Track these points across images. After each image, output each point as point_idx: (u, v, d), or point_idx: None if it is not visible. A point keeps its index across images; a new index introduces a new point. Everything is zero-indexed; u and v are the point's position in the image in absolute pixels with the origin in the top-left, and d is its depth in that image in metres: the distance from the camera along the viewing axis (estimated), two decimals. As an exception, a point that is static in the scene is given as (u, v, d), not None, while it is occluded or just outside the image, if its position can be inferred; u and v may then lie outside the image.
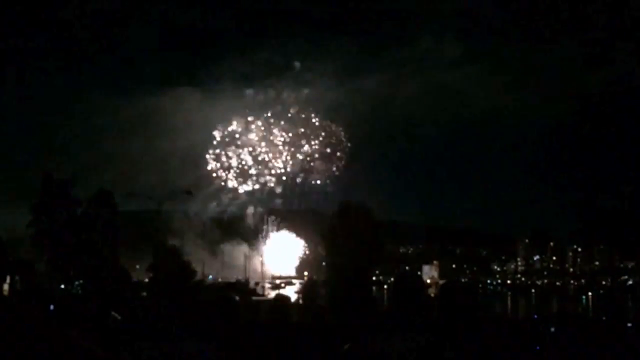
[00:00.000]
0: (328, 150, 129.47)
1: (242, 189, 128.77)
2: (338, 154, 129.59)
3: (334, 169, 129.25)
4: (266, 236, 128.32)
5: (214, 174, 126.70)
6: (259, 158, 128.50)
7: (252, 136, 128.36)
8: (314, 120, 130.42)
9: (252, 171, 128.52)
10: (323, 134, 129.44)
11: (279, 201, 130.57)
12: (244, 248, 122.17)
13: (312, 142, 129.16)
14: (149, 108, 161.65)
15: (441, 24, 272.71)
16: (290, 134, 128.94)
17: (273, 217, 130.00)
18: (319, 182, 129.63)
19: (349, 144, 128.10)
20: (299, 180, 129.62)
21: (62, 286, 50.27)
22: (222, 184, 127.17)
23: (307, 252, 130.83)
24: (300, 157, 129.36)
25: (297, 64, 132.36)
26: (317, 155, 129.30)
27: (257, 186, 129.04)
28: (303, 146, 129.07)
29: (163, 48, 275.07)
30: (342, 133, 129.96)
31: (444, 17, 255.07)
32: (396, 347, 4.92)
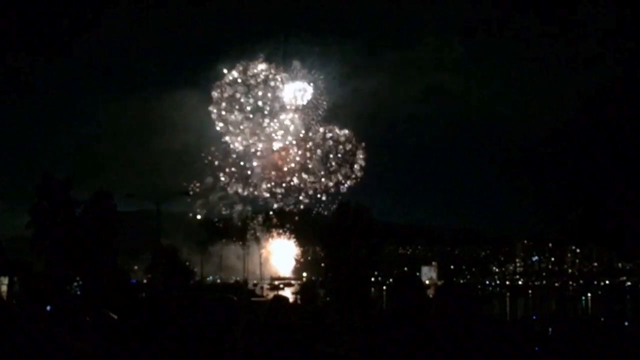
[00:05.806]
0: (325, 151, 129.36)
1: (238, 189, 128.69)
2: (338, 155, 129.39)
3: (332, 169, 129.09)
4: (261, 237, 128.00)
5: (208, 174, 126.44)
6: (255, 157, 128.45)
7: (248, 135, 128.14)
8: (312, 120, 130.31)
9: (248, 171, 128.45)
10: (322, 133, 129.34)
11: (276, 202, 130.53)
12: (239, 249, 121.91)
13: (310, 143, 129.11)
14: (148, 109, 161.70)
15: (442, 26, 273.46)
16: (287, 134, 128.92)
17: (266, 218, 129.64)
18: (314, 185, 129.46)
19: (358, 149, 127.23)
20: (296, 180, 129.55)
21: (61, 287, 50.19)
22: (216, 184, 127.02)
23: (303, 252, 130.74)
24: (297, 157, 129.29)
25: (297, 64, 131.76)
26: (315, 156, 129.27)
27: (253, 186, 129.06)
28: (300, 146, 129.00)
29: (163, 49, 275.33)
30: (340, 134, 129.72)
31: (444, 18, 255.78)
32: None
